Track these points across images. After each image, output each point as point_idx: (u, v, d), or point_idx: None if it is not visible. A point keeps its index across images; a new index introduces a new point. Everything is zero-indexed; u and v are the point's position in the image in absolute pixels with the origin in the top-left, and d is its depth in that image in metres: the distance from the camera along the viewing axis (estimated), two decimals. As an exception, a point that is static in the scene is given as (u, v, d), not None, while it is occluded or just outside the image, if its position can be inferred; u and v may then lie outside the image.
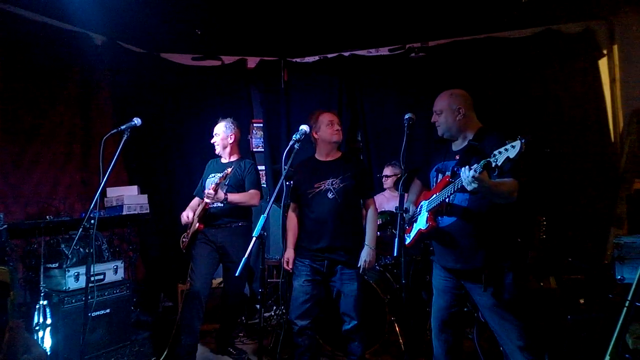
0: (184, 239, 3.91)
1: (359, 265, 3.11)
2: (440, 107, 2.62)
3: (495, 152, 2.04)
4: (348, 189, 3.15)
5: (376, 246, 4.07)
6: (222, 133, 3.94)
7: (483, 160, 2.09)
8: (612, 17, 4.59)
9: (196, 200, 4.03)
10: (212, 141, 3.97)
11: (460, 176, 2.26)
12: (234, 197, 3.66)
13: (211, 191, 3.49)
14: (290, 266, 3.26)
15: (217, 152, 3.99)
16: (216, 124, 4.01)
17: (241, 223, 3.82)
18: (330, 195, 3.14)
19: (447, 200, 2.50)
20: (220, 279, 4.46)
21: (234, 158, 3.98)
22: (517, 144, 1.96)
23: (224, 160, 4.01)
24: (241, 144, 5.82)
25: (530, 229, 3.90)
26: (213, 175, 3.92)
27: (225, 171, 3.50)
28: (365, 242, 3.17)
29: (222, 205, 3.68)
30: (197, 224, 3.71)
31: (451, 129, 2.60)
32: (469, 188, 2.18)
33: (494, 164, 2.04)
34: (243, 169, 3.88)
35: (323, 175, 3.21)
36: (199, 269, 3.72)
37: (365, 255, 3.12)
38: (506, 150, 2.00)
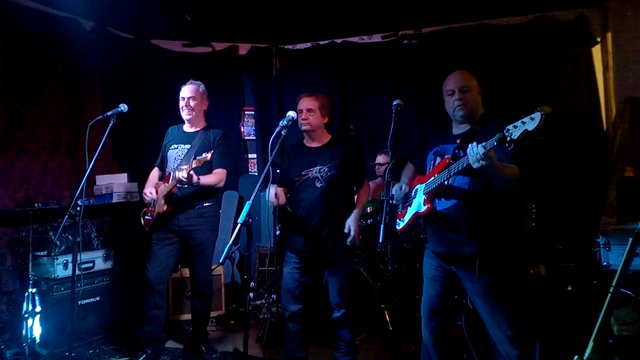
0: (147, 217, 3.57)
1: (346, 231, 3.00)
2: (469, 84, 2.49)
3: (509, 127, 1.94)
4: (335, 176, 3.05)
5: (367, 234, 4.07)
6: (199, 97, 3.57)
7: (498, 134, 1.98)
8: (606, 4, 4.56)
9: (156, 172, 3.71)
10: (184, 105, 3.53)
11: (462, 158, 2.22)
12: (206, 180, 3.35)
13: (185, 176, 3.12)
14: (279, 201, 3.21)
15: (186, 117, 3.57)
16: (182, 85, 3.59)
17: (208, 204, 3.55)
18: (317, 184, 3.06)
19: (446, 182, 2.41)
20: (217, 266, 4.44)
21: (200, 127, 3.63)
22: (537, 116, 1.86)
23: (188, 129, 3.63)
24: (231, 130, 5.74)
25: (520, 216, 3.89)
26: (176, 146, 3.57)
27: (205, 156, 3.14)
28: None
29: (189, 187, 3.37)
30: (165, 207, 3.39)
31: (475, 109, 2.50)
32: (475, 166, 2.07)
33: (508, 138, 1.94)
34: (211, 140, 3.53)
35: (311, 163, 3.11)
36: (157, 256, 3.50)
37: (351, 221, 3.00)
38: (523, 123, 1.90)
